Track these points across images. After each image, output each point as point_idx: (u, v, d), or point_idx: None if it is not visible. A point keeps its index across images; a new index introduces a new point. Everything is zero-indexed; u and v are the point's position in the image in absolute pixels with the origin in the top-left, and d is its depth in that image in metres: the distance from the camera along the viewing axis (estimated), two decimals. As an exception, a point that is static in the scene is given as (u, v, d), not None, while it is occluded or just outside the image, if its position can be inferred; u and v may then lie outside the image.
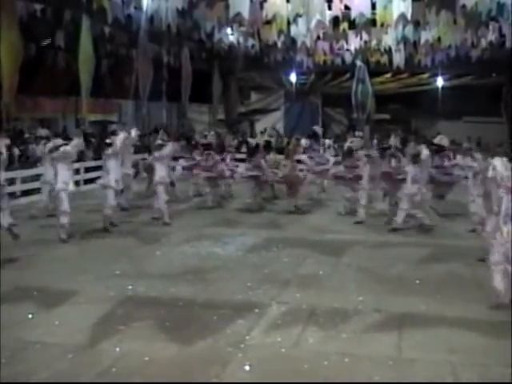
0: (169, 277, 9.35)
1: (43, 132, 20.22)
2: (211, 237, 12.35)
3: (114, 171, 13.11)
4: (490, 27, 19.82)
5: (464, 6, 16.03)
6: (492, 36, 20.46)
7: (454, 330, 7.17)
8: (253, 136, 28.48)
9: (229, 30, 23.15)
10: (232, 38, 24.26)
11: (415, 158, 13.22)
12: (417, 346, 6.72)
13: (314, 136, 19.71)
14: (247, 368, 6.05)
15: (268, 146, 17.88)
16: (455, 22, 18.64)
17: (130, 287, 8.69)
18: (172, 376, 5.86)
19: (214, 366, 6.10)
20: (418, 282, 9.21)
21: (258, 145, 17.84)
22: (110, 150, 13.16)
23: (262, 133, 24.47)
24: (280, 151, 18.33)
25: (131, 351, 6.35)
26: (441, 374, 6.00)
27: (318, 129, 20.81)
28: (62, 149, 12.09)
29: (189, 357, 6.33)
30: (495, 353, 6.57)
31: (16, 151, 18.65)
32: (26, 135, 20.76)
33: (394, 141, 17.43)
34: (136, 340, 6.70)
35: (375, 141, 24.18)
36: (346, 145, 17.24)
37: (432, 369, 6.11)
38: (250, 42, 24.45)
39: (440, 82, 28.55)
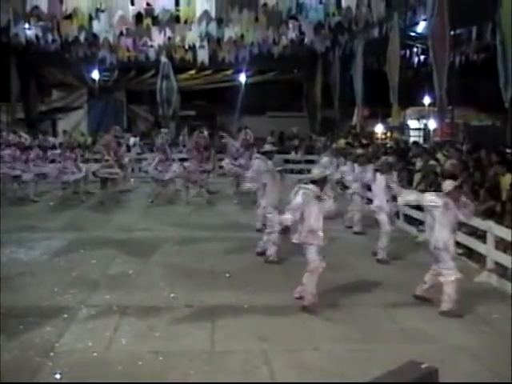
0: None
1: None
2: (15, 242, 11.64)
3: None
4: (290, 25, 20.60)
5: (265, 5, 16.53)
6: (292, 34, 21.30)
7: (264, 319, 7.45)
8: (55, 135, 27.36)
9: (26, 25, 22.03)
10: (30, 33, 23.09)
11: None
12: (229, 338, 6.89)
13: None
14: (58, 376, 5.84)
15: None
16: (257, 19, 19.15)
17: None
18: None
19: (22, 377, 5.81)
20: (227, 275, 9.42)
21: None
22: None
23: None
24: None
25: None
26: (254, 363, 6.20)
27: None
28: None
29: (-7, 370, 5.95)
30: (303, 336, 6.93)
31: None
32: None
33: None
34: None
35: (181, 137, 24.35)
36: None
37: (245, 358, 6.29)
38: (50, 37, 23.43)
39: (243, 78, 29.26)
